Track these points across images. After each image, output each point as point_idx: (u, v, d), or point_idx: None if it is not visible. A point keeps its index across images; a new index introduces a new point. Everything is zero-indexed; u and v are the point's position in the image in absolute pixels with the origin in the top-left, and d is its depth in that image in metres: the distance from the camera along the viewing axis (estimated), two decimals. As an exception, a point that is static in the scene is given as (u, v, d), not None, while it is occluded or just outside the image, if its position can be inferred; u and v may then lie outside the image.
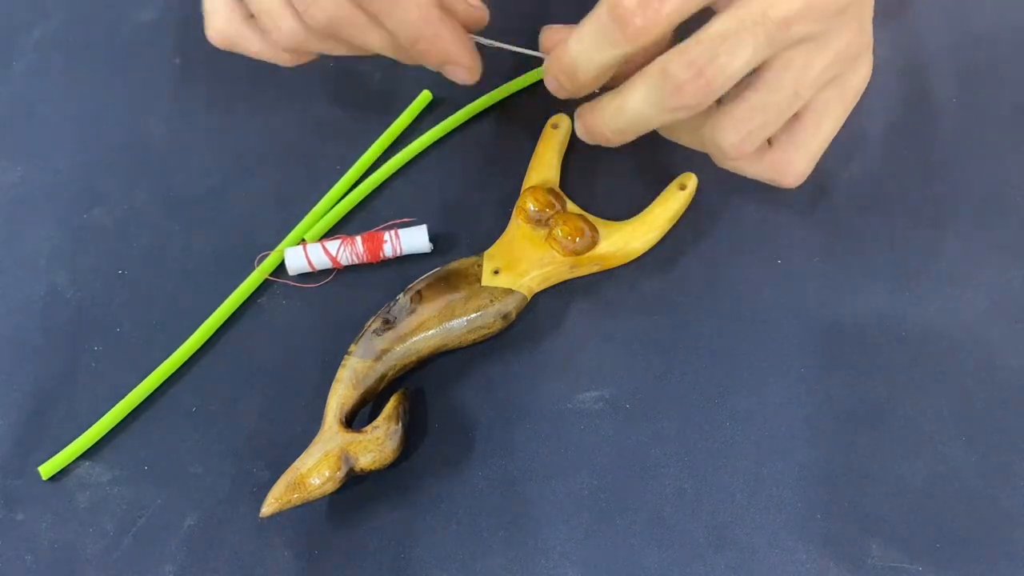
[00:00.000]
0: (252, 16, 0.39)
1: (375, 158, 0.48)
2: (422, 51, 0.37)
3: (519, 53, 0.39)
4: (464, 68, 0.38)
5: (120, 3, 0.55)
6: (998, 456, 0.39)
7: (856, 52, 0.35)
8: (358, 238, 0.44)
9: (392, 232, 0.44)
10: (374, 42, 0.38)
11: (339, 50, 0.39)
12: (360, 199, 0.47)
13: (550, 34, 0.37)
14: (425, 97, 0.49)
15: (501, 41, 0.39)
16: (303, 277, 0.45)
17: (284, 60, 0.40)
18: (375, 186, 0.47)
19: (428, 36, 0.36)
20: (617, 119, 0.35)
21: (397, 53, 0.38)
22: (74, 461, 0.41)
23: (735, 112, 0.34)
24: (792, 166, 0.37)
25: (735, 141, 0.35)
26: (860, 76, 0.36)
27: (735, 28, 0.32)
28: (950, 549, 0.37)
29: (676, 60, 0.32)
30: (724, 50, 0.32)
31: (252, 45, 0.40)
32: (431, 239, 0.44)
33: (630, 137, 0.36)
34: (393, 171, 0.47)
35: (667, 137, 0.39)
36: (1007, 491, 0.38)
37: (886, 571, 0.37)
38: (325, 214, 0.46)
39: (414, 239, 0.44)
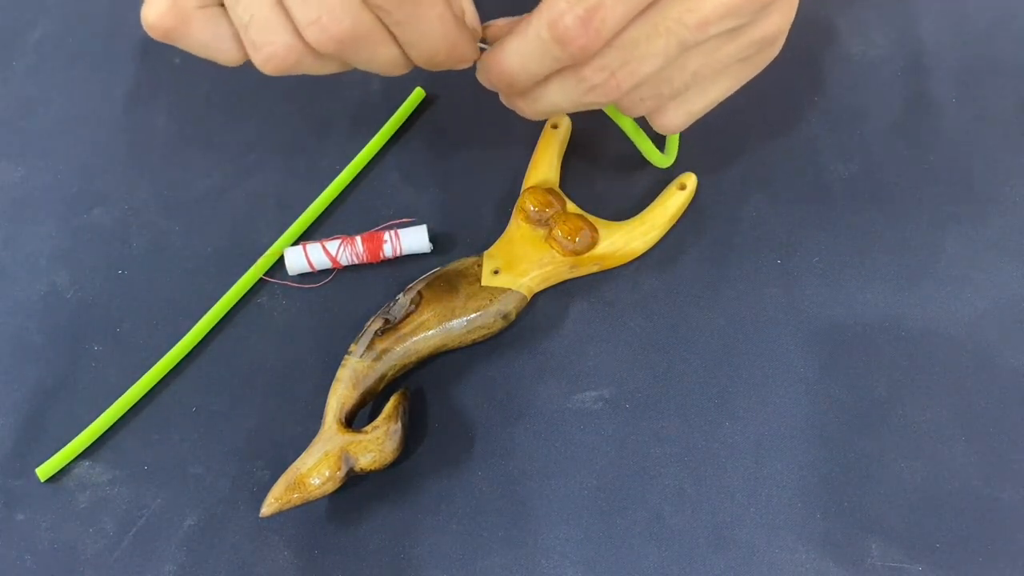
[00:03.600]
0: (207, 4, 0.33)
1: (371, 156, 0.48)
2: (438, 63, 0.35)
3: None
4: (468, 63, 0.36)
5: (120, 3, 0.55)
6: (998, 456, 0.39)
7: (772, 38, 0.35)
8: (358, 238, 0.44)
9: (392, 232, 0.44)
10: (381, 59, 0.34)
11: (328, 69, 0.35)
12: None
13: (493, 31, 0.36)
14: (418, 95, 0.49)
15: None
16: (302, 277, 0.45)
17: (230, 60, 0.35)
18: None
19: (447, 49, 0.34)
20: (533, 105, 0.36)
21: (396, 69, 0.35)
22: (74, 461, 0.41)
23: (640, 90, 0.35)
24: (670, 121, 0.37)
25: (628, 96, 0.35)
26: (766, 56, 0.36)
27: (647, 34, 0.32)
28: (950, 549, 0.37)
29: (591, 64, 0.33)
30: (636, 56, 0.32)
31: (201, 36, 0.34)
32: (431, 239, 0.44)
33: (541, 117, 0.37)
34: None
35: None
36: (1007, 491, 0.38)
37: (886, 571, 0.37)
38: (320, 213, 0.46)
39: (414, 239, 0.44)
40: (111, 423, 0.41)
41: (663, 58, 0.33)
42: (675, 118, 0.37)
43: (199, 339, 0.43)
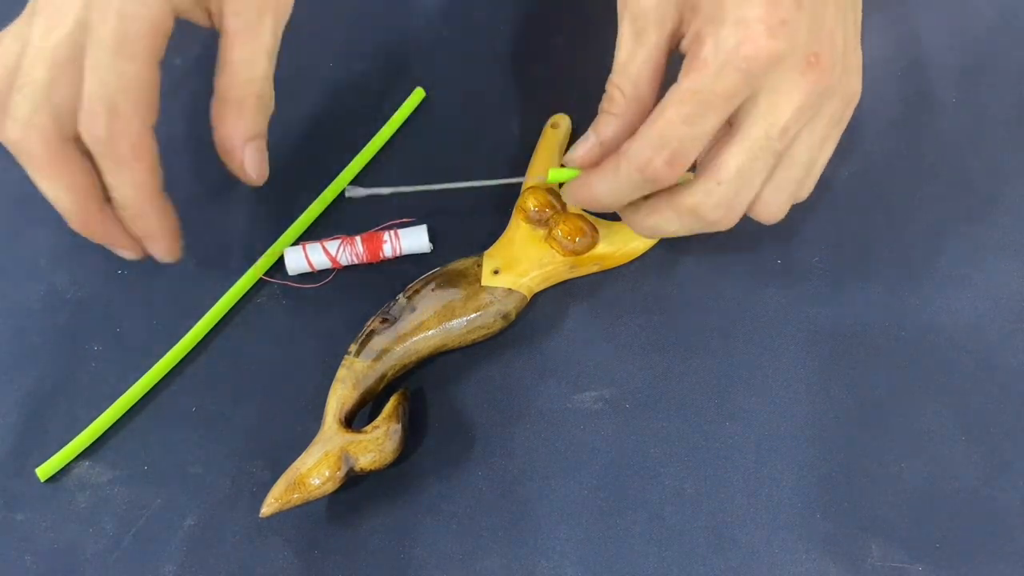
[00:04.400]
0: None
1: (371, 156, 0.48)
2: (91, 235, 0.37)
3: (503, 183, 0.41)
4: (160, 247, 0.39)
5: (120, 3, 0.55)
6: (998, 456, 0.39)
7: (847, 102, 0.36)
8: (358, 238, 0.44)
9: (392, 232, 0.44)
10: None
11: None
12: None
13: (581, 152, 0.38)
14: (418, 95, 0.49)
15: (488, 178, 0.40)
16: (302, 277, 0.45)
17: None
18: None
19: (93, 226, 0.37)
20: (652, 234, 0.38)
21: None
22: (74, 461, 0.41)
23: (763, 197, 0.36)
24: (804, 196, 0.38)
25: (771, 215, 0.37)
26: (849, 114, 0.37)
27: (748, 160, 0.34)
28: (950, 549, 0.37)
29: (704, 199, 0.35)
30: (744, 184, 0.34)
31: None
32: (431, 239, 0.44)
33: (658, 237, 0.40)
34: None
35: None
36: (1007, 491, 0.38)
37: (886, 571, 0.37)
38: (319, 214, 0.46)
39: (414, 239, 0.44)
40: (111, 423, 0.42)
41: (764, 175, 0.35)
42: (806, 193, 0.38)
43: (199, 339, 0.43)
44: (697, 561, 0.37)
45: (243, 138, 0.37)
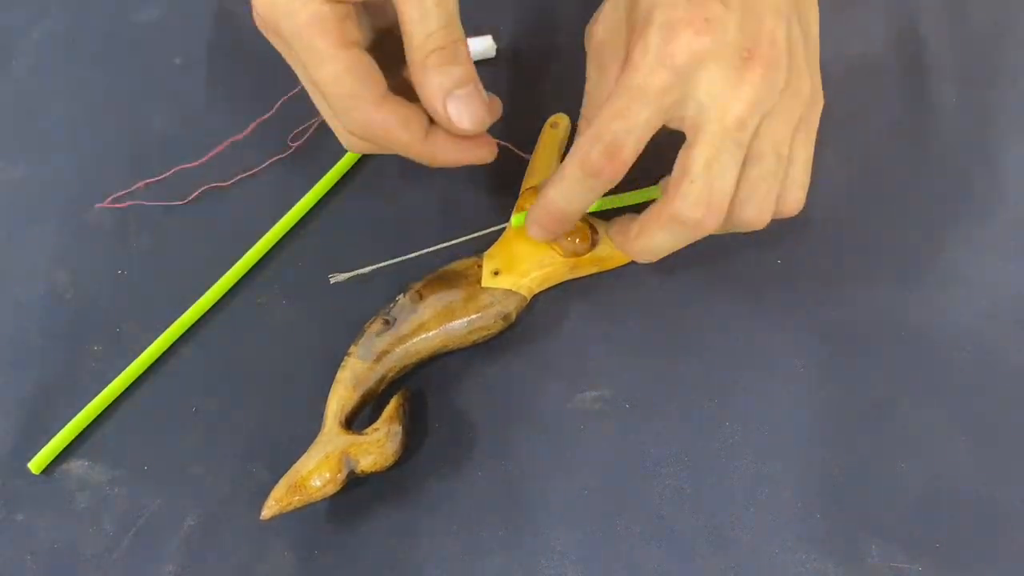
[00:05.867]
0: None
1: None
2: (371, 139, 0.37)
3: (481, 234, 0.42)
4: (401, 149, 0.38)
5: (120, 3, 0.55)
6: (998, 456, 0.39)
7: (811, 93, 0.37)
8: None
9: None
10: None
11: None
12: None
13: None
14: None
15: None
16: (297, 277, 0.45)
17: None
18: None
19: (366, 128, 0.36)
20: (648, 257, 0.39)
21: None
22: (75, 461, 0.41)
23: (749, 202, 0.36)
24: (792, 206, 0.38)
25: (754, 216, 0.37)
26: (818, 109, 0.38)
27: (712, 152, 0.35)
28: (950, 549, 0.37)
29: (681, 201, 0.35)
30: (714, 175, 0.35)
31: None
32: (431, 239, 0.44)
33: (656, 259, 0.40)
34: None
35: None
36: (1007, 491, 0.38)
37: (886, 571, 0.37)
38: (314, 204, 0.47)
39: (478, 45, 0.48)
40: (100, 411, 0.42)
41: (734, 163, 0.35)
42: (794, 202, 0.38)
43: (188, 327, 0.44)
44: (697, 561, 0.37)
45: (439, 97, 0.36)
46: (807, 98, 0.36)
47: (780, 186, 0.37)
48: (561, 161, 0.46)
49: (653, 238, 0.37)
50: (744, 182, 0.36)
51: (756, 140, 0.35)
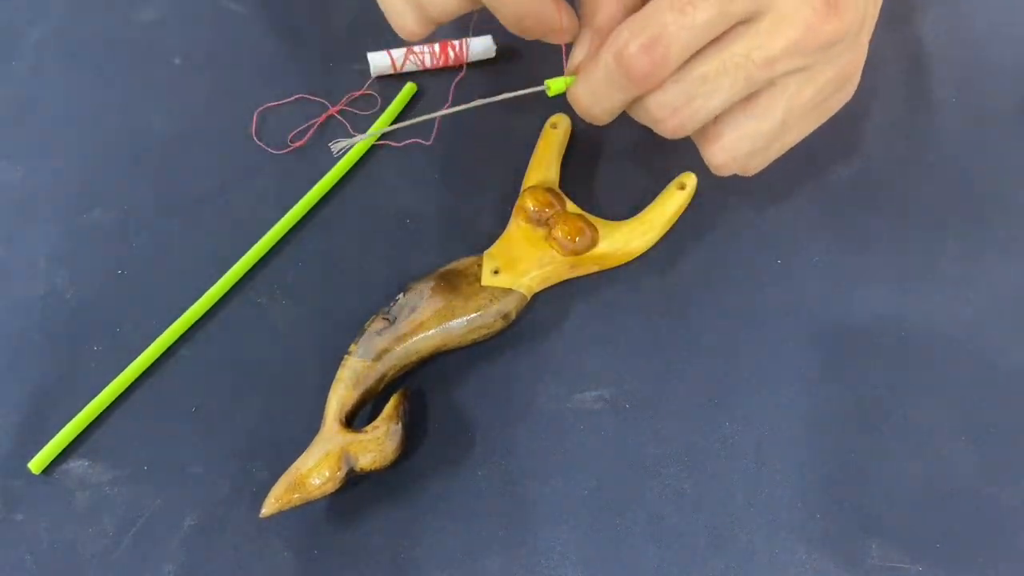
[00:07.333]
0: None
1: (363, 151, 0.48)
2: (526, 29, 0.34)
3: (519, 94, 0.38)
4: (558, 37, 0.35)
5: (120, 3, 0.55)
6: (998, 456, 0.39)
7: (846, 77, 0.34)
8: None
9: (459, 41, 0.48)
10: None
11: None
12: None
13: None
14: (410, 89, 0.49)
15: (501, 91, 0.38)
16: (297, 277, 0.45)
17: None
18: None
19: (532, 15, 0.33)
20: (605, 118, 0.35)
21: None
22: (74, 461, 0.41)
23: (723, 140, 0.34)
24: (755, 168, 0.36)
25: (722, 162, 0.35)
26: (841, 97, 0.35)
27: (715, 70, 0.31)
28: (950, 549, 0.37)
29: (655, 99, 0.32)
30: (702, 92, 0.32)
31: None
32: (434, 239, 0.44)
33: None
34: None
35: None
36: (1007, 491, 0.38)
37: (886, 571, 0.37)
38: (313, 205, 0.47)
39: (479, 45, 0.49)
40: (100, 410, 0.42)
41: (728, 95, 0.32)
42: (758, 164, 0.36)
43: (195, 319, 0.44)
44: (697, 561, 0.37)
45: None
46: (848, 74, 0.34)
47: (767, 147, 0.35)
48: (561, 161, 0.46)
49: (592, 88, 0.33)
50: (732, 118, 0.33)
51: (772, 90, 0.32)
